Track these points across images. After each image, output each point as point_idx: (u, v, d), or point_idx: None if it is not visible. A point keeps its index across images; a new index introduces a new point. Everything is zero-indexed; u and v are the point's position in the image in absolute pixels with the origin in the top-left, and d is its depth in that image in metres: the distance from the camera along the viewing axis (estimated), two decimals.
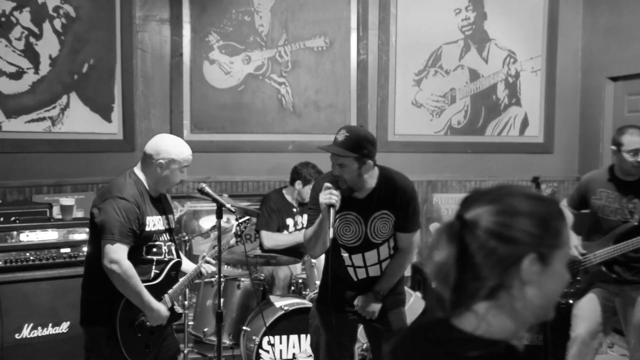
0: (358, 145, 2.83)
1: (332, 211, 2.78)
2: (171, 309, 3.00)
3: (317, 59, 5.41)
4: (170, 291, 3.01)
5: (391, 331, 3.09)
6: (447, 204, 5.65)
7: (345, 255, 3.06)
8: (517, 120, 5.79)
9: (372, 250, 3.03)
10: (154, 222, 2.94)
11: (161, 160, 2.90)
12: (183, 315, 3.80)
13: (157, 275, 2.96)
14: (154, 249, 2.96)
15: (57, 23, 4.60)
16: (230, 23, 5.26)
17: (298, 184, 4.62)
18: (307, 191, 4.59)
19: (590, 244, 3.63)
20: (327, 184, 2.85)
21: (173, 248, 3.09)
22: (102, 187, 4.94)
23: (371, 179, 2.94)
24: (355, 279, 3.09)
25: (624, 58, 5.24)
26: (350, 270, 3.08)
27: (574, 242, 3.64)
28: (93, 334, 2.91)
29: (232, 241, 3.40)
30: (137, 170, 2.97)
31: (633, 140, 3.47)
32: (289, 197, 4.70)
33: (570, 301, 4.18)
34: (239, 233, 3.40)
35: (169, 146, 2.95)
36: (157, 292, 2.94)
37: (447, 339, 1.22)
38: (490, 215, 1.19)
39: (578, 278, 3.65)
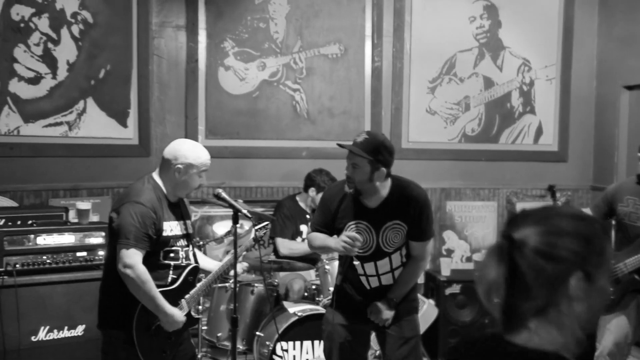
0: (375, 150, 2.87)
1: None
2: (188, 314, 3.00)
3: (332, 66, 5.44)
4: (187, 296, 3.01)
5: (404, 338, 3.09)
6: (460, 212, 5.64)
7: (357, 263, 3.07)
8: (532, 128, 5.77)
9: (384, 259, 3.04)
10: (171, 228, 2.94)
11: (179, 165, 2.91)
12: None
13: (174, 280, 2.96)
14: (172, 254, 2.96)
15: (75, 29, 4.65)
16: (246, 30, 5.29)
17: (312, 191, 4.63)
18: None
19: (618, 254, 3.57)
20: (353, 234, 2.87)
21: (191, 253, 3.09)
22: (121, 191, 4.98)
23: (383, 188, 2.96)
24: (368, 288, 3.10)
25: None
26: (363, 279, 3.09)
27: None
28: (110, 337, 2.93)
29: (248, 244, 3.41)
30: (156, 176, 2.99)
31: None
32: (302, 204, 4.72)
33: None
34: (257, 239, 3.41)
35: (187, 151, 2.96)
36: (174, 297, 2.95)
37: (500, 352, 1.27)
38: (537, 235, 1.24)
39: (611, 289, 3.61)
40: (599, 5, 5.73)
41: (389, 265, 3.05)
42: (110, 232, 2.92)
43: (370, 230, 2.99)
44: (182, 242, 3.02)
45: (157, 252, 2.90)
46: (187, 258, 3.04)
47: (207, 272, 3.17)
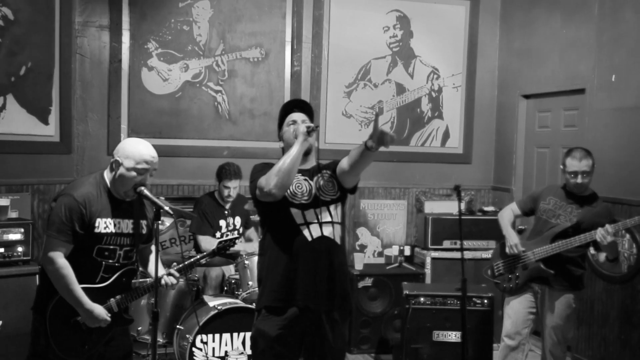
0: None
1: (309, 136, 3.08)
2: (119, 314, 2.97)
3: (253, 69, 5.64)
4: (117, 297, 2.96)
5: (338, 350, 3.09)
6: (373, 210, 5.98)
7: (298, 213, 3.01)
8: (439, 132, 6.17)
9: (322, 207, 3.05)
10: (107, 224, 2.87)
11: (117, 158, 2.89)
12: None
13: (104, 279, 2.92)
14: (106, 253, 2.90)
15: None
16: (169, 32, 5.42)
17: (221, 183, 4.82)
18: (226, 184, 4.76)
19: (528, 243, 3.96)
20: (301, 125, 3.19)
21: (133, 254, 3.02)
22: (41, 188, 4.97)
23: (312, 157, 3.21)
24: (309, 239, 2.98)
25: (536, 78, 5.66)
26: (304, 228, 3.00)
27: (515, 241, 3.96)
28: (35, 321, 2.92)
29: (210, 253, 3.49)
30: (106, 171, 2.96)
31: (572, 164, 3.82)
32: (220, 200, 4.89)
33: (486, 301, 4.55)
34: (220, 249, 3.47)
35: (127, 144, 2.94)
36: (103, 295, 2.91)
37: None
38: None
39: (517, 274, 3.98)
40: (500, 20, 6.20)
41: (329, 216, 3.05)
42: None
43: (307, 180, 3.10)
44: (124, 241, 2.95)
45: (90, 248, 2.86)
46: (125, 258, 2.98)
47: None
